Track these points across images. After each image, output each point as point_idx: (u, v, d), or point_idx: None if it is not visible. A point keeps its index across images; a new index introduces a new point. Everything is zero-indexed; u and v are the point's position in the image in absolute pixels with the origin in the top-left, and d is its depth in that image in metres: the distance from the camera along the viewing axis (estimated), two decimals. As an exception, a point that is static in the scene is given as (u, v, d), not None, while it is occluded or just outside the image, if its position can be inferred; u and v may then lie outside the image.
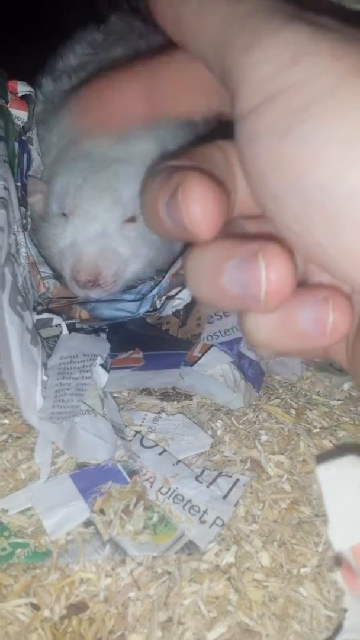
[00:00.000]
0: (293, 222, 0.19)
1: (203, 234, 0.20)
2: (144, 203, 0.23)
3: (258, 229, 0.24)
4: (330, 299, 0.21)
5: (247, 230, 0.24)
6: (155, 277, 0.58)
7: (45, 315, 0.50)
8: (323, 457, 0.41)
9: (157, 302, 0.54)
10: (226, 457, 0.44)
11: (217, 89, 0.24)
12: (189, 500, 0.40)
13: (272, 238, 0.22)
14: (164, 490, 0.41)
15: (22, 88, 0.57)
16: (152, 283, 0.57)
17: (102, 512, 0.40)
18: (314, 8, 0.20)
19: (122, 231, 0.54)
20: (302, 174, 0.18)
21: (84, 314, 0.55)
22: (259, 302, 0.20)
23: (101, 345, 0.48)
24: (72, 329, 0.51)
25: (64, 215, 0.54)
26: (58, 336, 0.50)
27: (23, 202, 0.53)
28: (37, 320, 0.48)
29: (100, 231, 0.53)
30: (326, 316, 0.21)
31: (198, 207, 0.20)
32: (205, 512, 0.40)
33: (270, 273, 0.19)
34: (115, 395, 0.47)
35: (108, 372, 0.45)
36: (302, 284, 0.24)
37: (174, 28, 0.23)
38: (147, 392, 0.49)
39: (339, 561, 0.35)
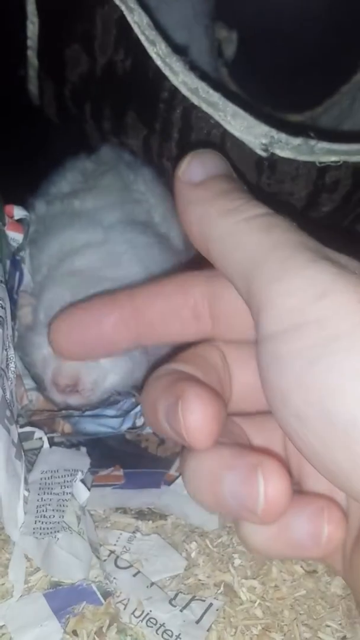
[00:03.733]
0: (314, 440, 0.20)
1: (200, 445, 0.22)
2: (144, 401, 0.25)
3: (251, 427, 0.25)
4: (326, 510, 0.22)
5: (240, 427, 0.25)
6: (136, 394, 0.60)
7: (27, 429, 0.51)
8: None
9: (137, 420, 0.56)
10: (200, 580, 0.44)
11: (201, 317, 0.26)
12: (162, 624, 0.41)
13: (267, 450, 0.24)
14: (137, 613, 0.41)
15: (19, 212, 0.62)
16: (134, 399, 0.59)
17: (75, 633, 0.40)
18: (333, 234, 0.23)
19: None
20: (328, 401, 0.19)
21: (67, 428, 0.56)
22: (256, 516, 0.21)
23: (82, 460, 0.49)
24: (51, 442, 0.52)
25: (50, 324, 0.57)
26: (38, 449, 0.51)
27: (12, 316, 0.56)
28: (20, 433, 0.49)
29: None
30: (321, 529, 0.22)
31: (197, 422, 0.21)
32: (178, 636, 0.40)
33: (268, 489, 0.20)
34: (91, 512, 0.48)
35: (89, 489, 0.46)
36: (297, 490, 0.24)
37: (202, 243, 0.25)
38: (123, 510, 0.49)
39: None
